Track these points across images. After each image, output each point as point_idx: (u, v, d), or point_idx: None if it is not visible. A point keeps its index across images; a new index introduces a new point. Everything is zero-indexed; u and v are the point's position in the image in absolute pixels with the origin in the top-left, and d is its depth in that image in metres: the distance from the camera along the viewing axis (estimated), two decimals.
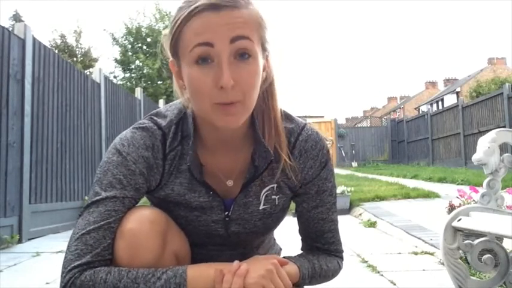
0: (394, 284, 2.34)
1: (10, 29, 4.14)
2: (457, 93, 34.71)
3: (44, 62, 4.55)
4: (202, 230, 1.04)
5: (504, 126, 9.21)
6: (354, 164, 17.21)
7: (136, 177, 0.95)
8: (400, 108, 48.44)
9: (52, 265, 3.00)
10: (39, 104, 4.41)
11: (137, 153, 0.96)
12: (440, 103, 36.73)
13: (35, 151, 4.28)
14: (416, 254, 3.08)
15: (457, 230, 1.54)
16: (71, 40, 18.99)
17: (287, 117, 1.05)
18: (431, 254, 3.03)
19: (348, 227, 4.63)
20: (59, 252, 3.43)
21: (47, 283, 2.51)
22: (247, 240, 1.10)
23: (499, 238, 1.66)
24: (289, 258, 1.04)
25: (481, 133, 10.02)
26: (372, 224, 4.54)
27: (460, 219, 1.53)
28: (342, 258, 1.15)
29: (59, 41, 18.77)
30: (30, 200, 4.16)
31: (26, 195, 4.08)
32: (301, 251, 1.14)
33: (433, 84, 49.06)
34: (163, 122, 1.00)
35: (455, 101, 16.88)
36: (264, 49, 0.94)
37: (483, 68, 38.68)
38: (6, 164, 3.83)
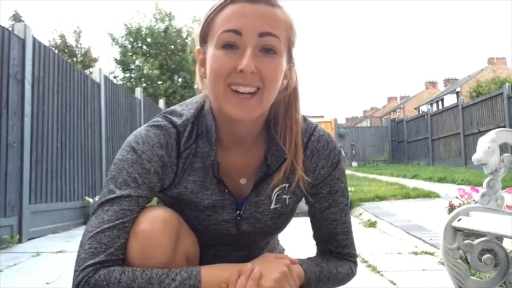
0: (394, 284, 2.34)
1: (10, 29, 4.14)
2: (457, 93, 34.69)
3: (44, 62, 4.55)
4: (213, 229, 1.04)
5: (504, 126, 9.21)
6: (354, 164, 17.22)
7: (151, 176, 0.95)
8: (400, 108, 48.42)
9: (52, 265, 3.01)
10: (39, 104, 4.41)
11: (152, 151, 0.95)
12: (440, 103, 36.71)
13: (35, 151, 4.28)
14: (416, 254, 3.08)
15: (457, 230, 1.54)
16: (70, 40, 18.97)
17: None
18: (432, 254, 3.03)
19: None
20: (59, 252, 3.43)
21: (47, 283, 2.51)
22: (256, 240, 1.10)
23: (499, 238, 1.66)
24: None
25: (481, 133, 10.02)
26: (372, 224, 4.54)
27: (460, 219, 1.53)
28: (355, 263, 1.13)
29: (58, 41, 18.74)
30: (30, 200, 4.16)
31: (26, 195, 4.08)
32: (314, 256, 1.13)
33: (433, 84, 49.03)
34: (178, 121, 0.99)
35: (455, 101, 16.87)
36: (290, 55, 0.95)
37: (483, 68, 38.65)
38: (6, 164, 3.83)
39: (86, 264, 0.87)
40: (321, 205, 1.08)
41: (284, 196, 1.05)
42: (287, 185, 1.04)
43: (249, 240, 1.08)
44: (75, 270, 0.89)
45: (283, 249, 1.30)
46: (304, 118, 1.06)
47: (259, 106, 0.91)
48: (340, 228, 1.09)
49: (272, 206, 1.04)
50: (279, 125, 1.01)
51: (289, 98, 1.00)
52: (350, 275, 1.11)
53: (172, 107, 1.05)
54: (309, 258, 1.07)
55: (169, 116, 1.01)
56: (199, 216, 1.02)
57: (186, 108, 1.03)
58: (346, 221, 1.10)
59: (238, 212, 1.03)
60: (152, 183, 0.95)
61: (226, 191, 1.01)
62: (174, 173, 0.99)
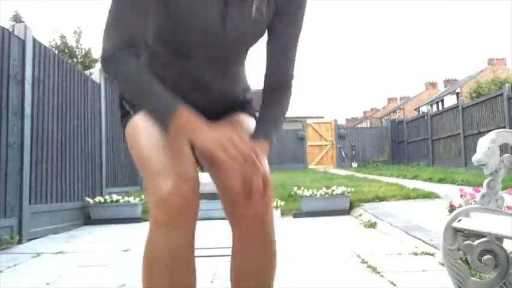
0: (394, 285, 2.34)
1: (10, 29, 4.14)
2: (457, 93, 34.73)
3: (44, 63, 4.56)
4: (199, 26, 1.09)
5: (504, 127, 9.20)
6: (354, 164, 17.20)
7: None
8: (400, 108, 48.44)
9: (52, 266, 3.01)
10: (39, 105, 4.41)
11: None
12: (440, 104, 36.75)
13: (35, 152, 4.28)
14: (416, 254, 3.08)
15: (457, 230, 1.54)
16: (71, 41, 18.98)
17: None
18: (432, 254, 3.03)
19: (348, 227, 4.62)
20: (59, 253, 3.43)
21: (47, 283, 2.51)
22: (235, 50, 1.19)
23: (499, 239, 1.65)
24: (261, 134, 1.11)
25: (481, 134, 10.01)
26: (372, 225, 4.54)
27: (460, 220, 1.53)
28: (291, 85, 1.25)
29: (59, 42, 18.76)
30: (30, 201, 4.16)
31: (26, 195, 4.08)
32: (263, 97, 1.21)
33: (433, 84, 49.09)
34: None
35: (455, 102, 16.89)
36: None
37: (483, 68, 38.70)
38: (6, 164, 3.83)
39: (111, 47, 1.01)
40: (284, 23, 1.16)
41: (262, 11, 1.12)
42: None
43: (228, 49, 1.16)
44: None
45: (249, 87, 1.37)
46: None
47: None
48: (291, 53, 1.20)
49: (253, 15, 1.12)
50: None
51: None
52: (290, 98, 1.23)
53: None
54: (266, 120, 1.16)
55: None
56: (190, 11, 1.07)
57: None
58: (296, 50, 1.21)
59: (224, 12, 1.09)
60: None
61: None
62: None
